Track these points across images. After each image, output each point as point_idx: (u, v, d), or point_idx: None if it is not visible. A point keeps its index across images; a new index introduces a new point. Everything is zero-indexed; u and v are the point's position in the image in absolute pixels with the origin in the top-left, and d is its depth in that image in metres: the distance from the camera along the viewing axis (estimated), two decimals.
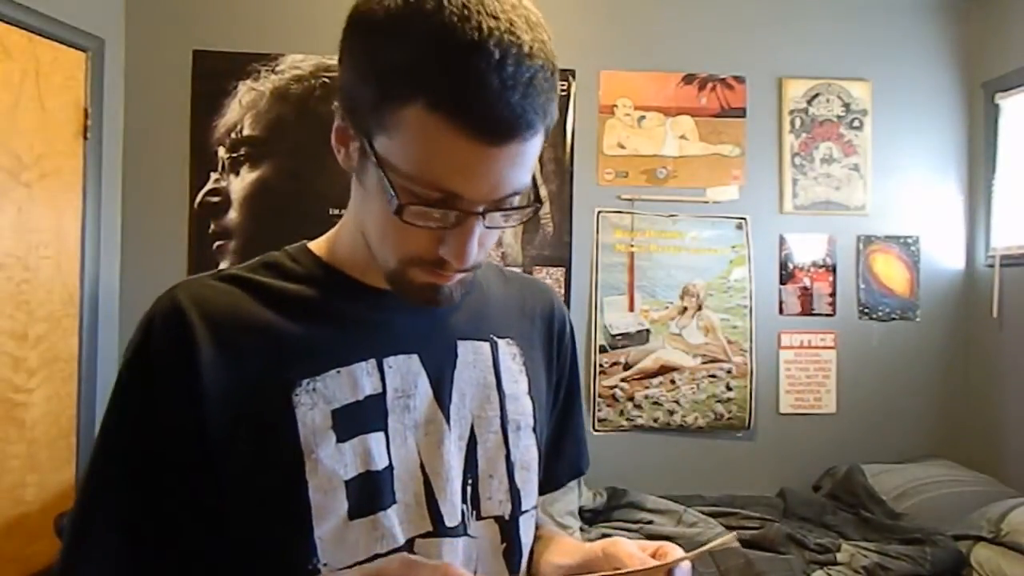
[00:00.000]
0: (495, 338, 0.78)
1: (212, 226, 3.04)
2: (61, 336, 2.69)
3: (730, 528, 2.59)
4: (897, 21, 3.30)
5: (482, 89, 0.55)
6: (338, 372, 0.67)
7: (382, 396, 0.68)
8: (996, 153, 3.17)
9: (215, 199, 3.04)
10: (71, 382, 2.72)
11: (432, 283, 0.65)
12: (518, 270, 1.01)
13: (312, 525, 0.63)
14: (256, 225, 3.05)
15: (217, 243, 3.04)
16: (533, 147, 0.60)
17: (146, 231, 3.03)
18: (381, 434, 0.67)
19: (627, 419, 3.15)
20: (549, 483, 0.85)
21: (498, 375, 0.76)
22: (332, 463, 0.64)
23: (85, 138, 2.79)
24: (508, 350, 0.78)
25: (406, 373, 0.70)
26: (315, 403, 0.65)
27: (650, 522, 2.64)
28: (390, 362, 0.69)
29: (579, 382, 0.91)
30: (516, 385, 0.77)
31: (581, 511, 2.71)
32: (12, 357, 2.48)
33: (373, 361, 0.69)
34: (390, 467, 0.67)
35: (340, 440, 0.65)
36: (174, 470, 0.63)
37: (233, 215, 3.05)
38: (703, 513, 2.69)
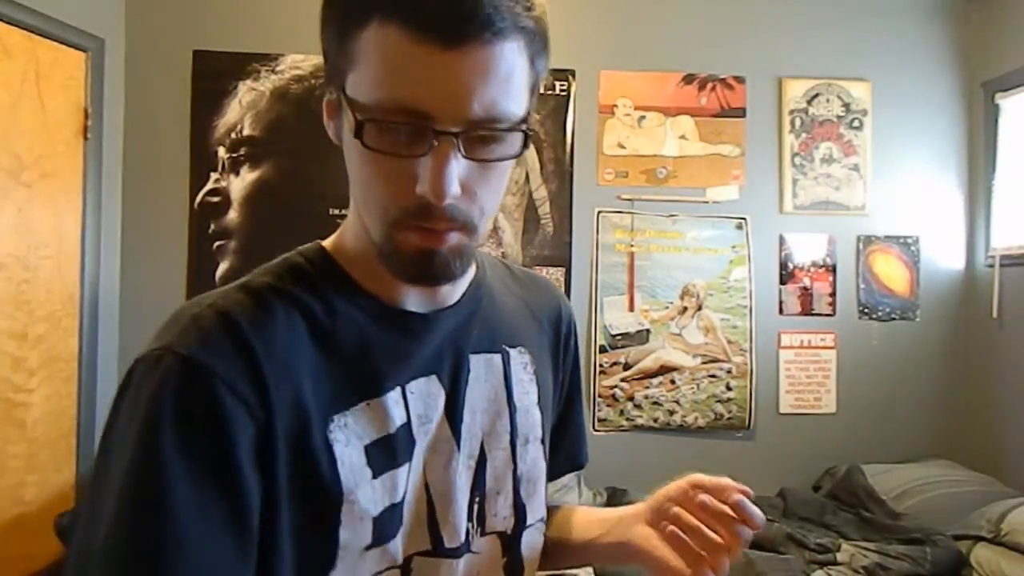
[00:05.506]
0: (507, 348, 0.75)
1: (212, 226, 3.04)
2: (61, 336, 2.69)
3: None
4: (897, 21, 3.30)
5: None
6: (368, 404, 0.63)
7: (408, 425, 0.65)
8: (996, 153, 3.17)
9: (215, 199, 3.04)
10: (71, 382, 2.72)
11: (424, 248, 0.59)
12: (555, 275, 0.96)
13: (336, 562, 0.60)
14: (256, 225, 3.05)
15: (217, 243, 3.04)
16: (504, 60, 0.55)
17: (146, 231, 3.03)
18: (408, 465, 0.64)
19: (627, 419, 3.15)
20: (548, 475, 0.83)
21: (509, 388, 0.73)
22: (366, 502, 0.61)
23: (85, 138, 2.79)
24: (519, 359, 0.76)
25: (427, 397, 0.67)
26: (348, 440, 0.61)
27: None
28: (411, 388, 0.66)
29: (580, 377, 0.90)
30: (526, 396, 0.75)
31: None
32: (12, 357, 2.47)
33: (399, 390, 0.65)
34: (405, 493, 0.65)
35: (374, 477, 0.62)
36: (243, 518, 0.55)
37: (233, 215, 3.04)
38: None
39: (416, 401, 0.66)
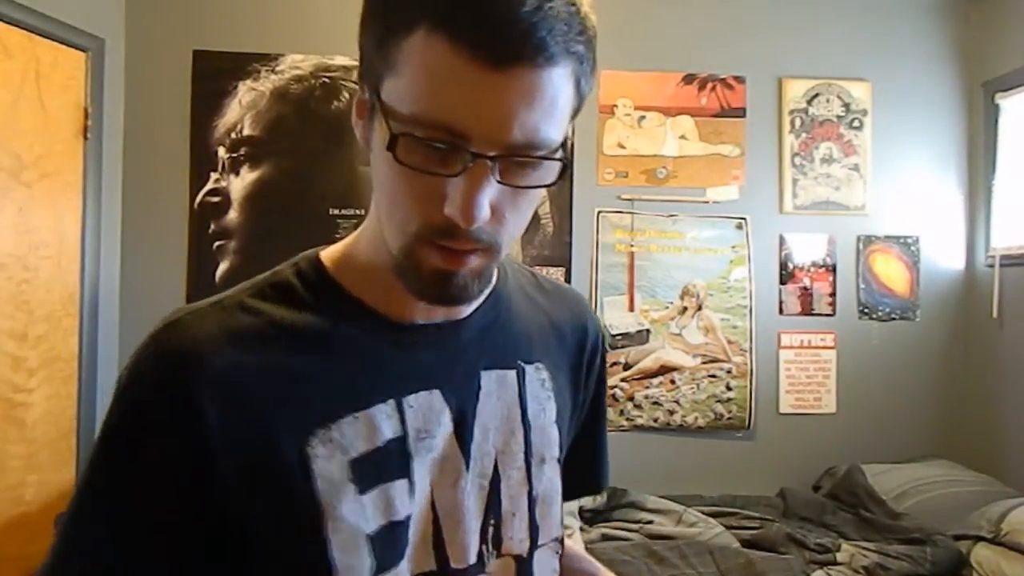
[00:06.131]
0: (522, 364, 0.72)
1: (212, 226, 3.04)
2: (61, 336, 2.69)
3: (730, 528, 2.59)
4: (897, 21, 3.30)
5: (487, 2, 0.50)
6: (355, 417, 0.61)
7: (403, 439, 0.63)
8: (996, 153, 3.17)
9: (215, 199, 3.04)
10: (71, 382, 2.72)
11: (443, 269, 0.57)
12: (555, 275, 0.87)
13: None
14: (256, 225, 3.04)
15: (217, 243, 3.04)
16: (552, 85, 0.53)
17: (146, 231, 3.03)
18: (404, 481, 0.62)
19: (627, 419, 3.15)
20: (564, 494, 0.81)
21: (524, 405, 0.71)
22: (354, 518, 0.59)
23: (85, 138, 2.79)
24: (536, 376, 0.73)
25: (428, 411, 0.64)
26: (332, 454, 0.59)
27: (650, 522, 2.64)
28: (410, 401, 0.64)
29: (605, 398, 0.87)
30: (543, 414, 0.73)
31: (581, 511, 2.71)
32: (12, 357, 2.47)
33: (392, 402, 0.63)
34: (410, 512, 0.63)
35: (361, 492, 0.60)
36: (182, 539, 0.58)
37: (233, 215, 3.04)
38: (703, 513, 2.69)
39: (415, 415, 0.64)
